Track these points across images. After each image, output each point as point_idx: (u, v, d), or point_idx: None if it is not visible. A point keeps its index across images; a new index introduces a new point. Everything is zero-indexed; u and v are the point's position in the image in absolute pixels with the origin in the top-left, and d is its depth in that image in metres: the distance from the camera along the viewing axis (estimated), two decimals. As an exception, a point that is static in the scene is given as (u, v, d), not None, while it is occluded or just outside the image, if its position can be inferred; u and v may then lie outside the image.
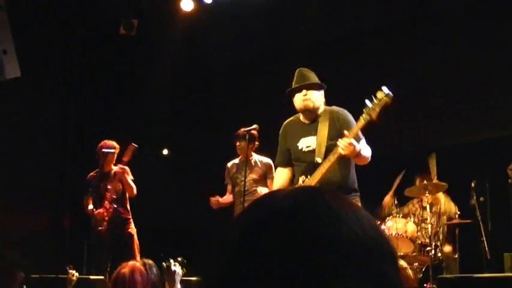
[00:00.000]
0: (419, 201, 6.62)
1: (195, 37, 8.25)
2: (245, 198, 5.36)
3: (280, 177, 4.44)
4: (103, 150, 6.38)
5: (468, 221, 6.20)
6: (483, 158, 6.67)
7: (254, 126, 5.71)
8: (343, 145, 3.80)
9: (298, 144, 4.24)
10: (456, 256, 6.14)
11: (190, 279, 5.78)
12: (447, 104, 7.28)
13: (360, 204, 3.69)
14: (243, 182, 5.78)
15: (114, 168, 6.44)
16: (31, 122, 7.96)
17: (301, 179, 4.17)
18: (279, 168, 4.49)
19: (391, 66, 7.52)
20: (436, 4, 7.21)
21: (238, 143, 5.90)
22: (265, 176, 6.04)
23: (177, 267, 3.10)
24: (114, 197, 6.36)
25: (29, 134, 7.94)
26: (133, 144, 6.28)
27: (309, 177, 4.08)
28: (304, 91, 4.18)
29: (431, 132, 7.41)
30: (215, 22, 7.86)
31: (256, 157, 6.09)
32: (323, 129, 4.06)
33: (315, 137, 4.14)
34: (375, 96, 3.87)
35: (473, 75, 7.10)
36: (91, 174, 6.56)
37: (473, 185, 6.20)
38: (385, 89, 3.90)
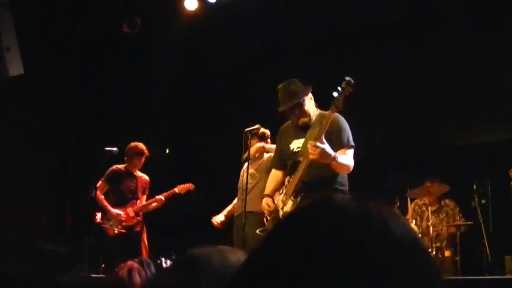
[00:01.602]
0: (425, 203, 6.59)
1: (198, 36, 8.24)
2: (246, 195, 5.36)
3: (272, 179, 4.44)
4: (144, 151, 6.52)
5: (469, 222, 6.20)
6: (485, 160, 6.66)
7: (256, 126, 5.72)
8: (310, 149, 3.75)
9: (290, 146, 4.25)
10: (457, 258, 6.13)
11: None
12: (449, 105, 7.26)
13: None
14: (242, 178, 5.81)
15: (139, 173, 6.60)
16: (32, 119, 7.96)
17: (286, 179, 4.19)
18: (273, 171, 4.50)
19: (393, 65, 7.50)
20: (438, 4, 7.18)
21: (249, 141, 5.86)
22: (263, 171, 5.96)
23: (168, 264, 3.11)
24: (140, 210, 6.48)
25: (30, 132, 7.95)
26: (192, 185, 6.57)
27: (292, 176, 4.08)
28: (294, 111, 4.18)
29: (432, 133, 7.39)
30: (217, 21, 7.86)
31: (265, 155, 6.07)
32: (313, 131, 4.01)
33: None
34: (340, 87, 3.84)
35: (476, 76, 7.09)
36: (117, 167, 6.57)
37: (474, 187, 6.20)
38: (346, 77, 3.85)
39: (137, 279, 2.52)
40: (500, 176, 6.13)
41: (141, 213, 6.53)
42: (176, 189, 6.53)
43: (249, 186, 5.65)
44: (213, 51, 8.45)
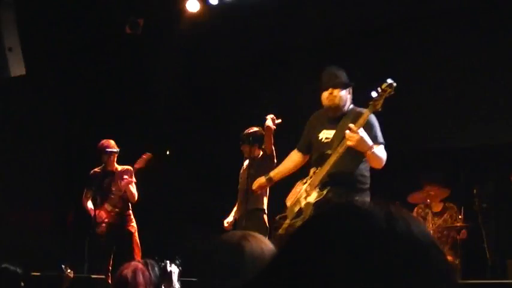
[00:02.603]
0: (427, 205, 6.59)
1: (200, 37, 8.26)
2: (247, 197, 5.38)
3: (289, 159, 4.50)
4: (107, 149, 6.44)
5: (466, 225, 6.21)
6: (486, 163, 6.65)
7: (257, 129, 5.74)
8: (348, 135, 3.85)
9: (319, 135, 4.29)
10: (457, 262, 6.13)
11: (191, 280, 5.78)
12: (451, 108, 7.26)
13: None
14: (241, 179, 5.85)
15: (119, 168, 6.53)
16: (35, 120, 7.97)
17: (312, 170, 4.22)
18: (293, 151, 4.54)
19: (391, 66, 7.46)
20: (441, 4, 7.15)
21: (242, 147, 5.89)
22: (262, 170, 5.96)
23: (173, 267, 3.11)
24: (117, 200, 6.43)
25: (33, 132, 7.96)
26: (148, 153, 6.39)
27: (319, 168, 4.13)
28: (330, 89, 4.24)
29: (433, 135, 7.38)
30: (220, 22, 7.88)
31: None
32: (344, 125, 4.07)
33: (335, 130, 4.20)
34: (380, 88, 3.97)
35: (476, 78, 7.08)
36: (94, 170, 6.60)
37: (475, 191, 6.20)
38: (388, 80, 4.00)
39: (141, 279, 2.53)
40: (502, 179, 6.14)
41: (120, 205, 6.42)
42: (135, 166, 6.39)
43: (241, 186, 5.67)
44: (214, 52, 8.47)
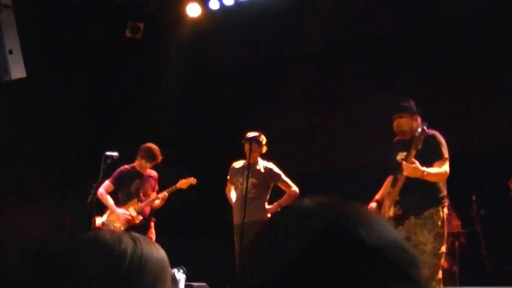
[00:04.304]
0: None
1: (201, 41, 8.28)
2: (245, 203, 5.37)
3: (387, 184, 4.94)
4: (147, 155, 6.36)
5: (464, 231, 6.22)
6: (484, 170, 6.67)
7: (256, 134, 5.75)
8: (404, 165, 4.43)
9: (396, 156, 4.78)
10: (455, 268, 6.15)
11: (191, 284, 5.79)
12: (448, 115, 7.28)
13: (442, 215, 4.39)
14: (241, 185, 5.79)
15: (149, 172, 6.46)
16: (36, 122, 7.96)
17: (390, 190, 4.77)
18: (389, 177, 4.97)
19: (389, 74, 7.48)
20: (452, 11, 7.15)
21: (246, 145, 5.87)
22: (266, 182, 5.97)
23: (180, 275, 3.11)
24: (144, 207, 6.34)
25: (33, 134, 7.94)
26: (194, 178, 6.41)
27: (392, 189, 4.70)
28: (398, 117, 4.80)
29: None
30: (222, 27, 7.90)
31: (261, 163, 6.03)
32: (415, 147, 4.51)
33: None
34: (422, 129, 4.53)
35: (471, 85, 7.11)
36: (125, 167, 6.44)
37: (474, 198, 6.22)
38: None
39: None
40: (500, 186, 6.16)
41: (147, 212, 6.35)
42: (178, 185, 6.36)
43: (251, 195, 5.63)
44: (215, 57, 8.50)
